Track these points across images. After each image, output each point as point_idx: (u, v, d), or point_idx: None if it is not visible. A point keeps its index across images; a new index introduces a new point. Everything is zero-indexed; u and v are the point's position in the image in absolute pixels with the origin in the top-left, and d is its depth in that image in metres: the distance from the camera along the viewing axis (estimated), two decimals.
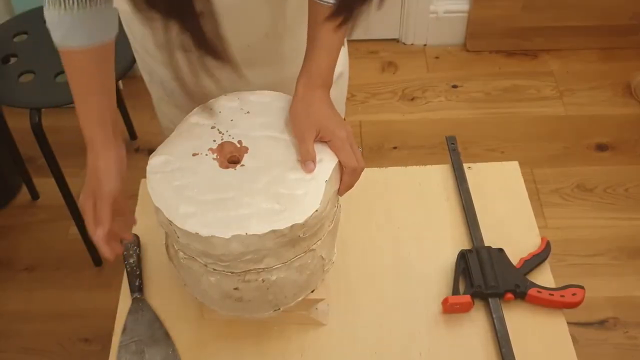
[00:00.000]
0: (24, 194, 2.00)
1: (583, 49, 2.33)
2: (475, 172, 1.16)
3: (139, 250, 1.10)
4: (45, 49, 1.60)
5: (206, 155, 0.88)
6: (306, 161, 0.85)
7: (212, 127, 0.91)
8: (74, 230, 1.79)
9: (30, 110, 1.49)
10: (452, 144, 1.21)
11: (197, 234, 0.81)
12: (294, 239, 0.83)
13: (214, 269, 0.86)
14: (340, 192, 0.90)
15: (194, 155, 0.88)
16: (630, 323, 1.68)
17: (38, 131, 1.50)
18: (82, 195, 0.88)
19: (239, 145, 0.89)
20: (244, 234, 0.80)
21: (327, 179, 0.85)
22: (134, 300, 1.04)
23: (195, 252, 0.85)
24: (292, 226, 0.81)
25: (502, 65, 2.31)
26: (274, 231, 0.80)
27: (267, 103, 0.94)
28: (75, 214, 1.71)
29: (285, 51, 1.07)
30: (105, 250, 0.85)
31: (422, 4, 2.29)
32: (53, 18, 0.85)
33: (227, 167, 0.87)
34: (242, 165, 0.87)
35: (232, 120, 0.91)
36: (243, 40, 1.00)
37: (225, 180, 0.85)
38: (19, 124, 1.81)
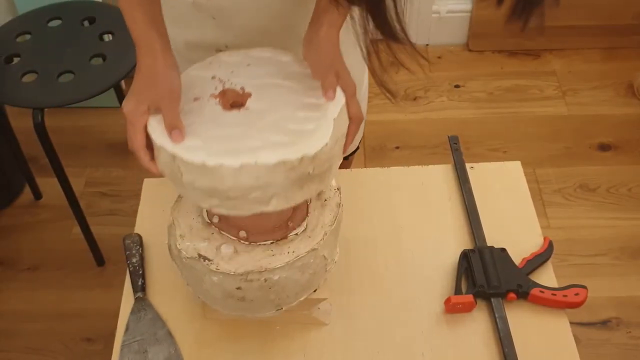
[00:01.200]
0: (26, 193, 2.01)
1: (586, 48, 2.33)
2: (477, 172, 1.16)
3: (142, 250, 1.10)
4: (48, 49, 1.61)
5: (208, 100, 0.84)
6: (328, 90, 0.84)
7: (213, 77, 0.87)
8: (76, 230, 1.79)
9: (33, 110, 1.49)
10: (455, 143, 1.21)
11: (203, 164, 0.76)
12: (303, 176, 0.79)
13: (220, 209, 0.81)
14: (347, 145, 0.88)
15: (195, 99, 0.85)
16: (632, 323, 1.68)
17: (41, 131, 1.50)
18: (132, 100, 0.83)
19: (241, 92, 0.85)
20: (254, 162, 0.75)
21: (335, 117, 0.82)
22: (137, 299, 1.04)
23: (199, 193, 0.80)
24: (302, 158, 0.77)
25: (504, 65, 2.31)
26: (284, 162, 0.76)
27: (268, 57, 0.91)
28: (78, 214, 1.72)
29: None
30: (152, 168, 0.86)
31: (424, 4, 2.29)
32: None
33: (230, 110, 0.84)
34: (247, 108, 0.84)
35: (232, 71, 0.88)
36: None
37: (231, 119, 0.82)
38: (21, 123, 1.81)
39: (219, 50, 0.96)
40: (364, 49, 0.70)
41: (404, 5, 0.65)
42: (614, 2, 2.22)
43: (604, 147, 2.07)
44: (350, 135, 0.88)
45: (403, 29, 0.66)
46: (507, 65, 2.31)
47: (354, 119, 0.87)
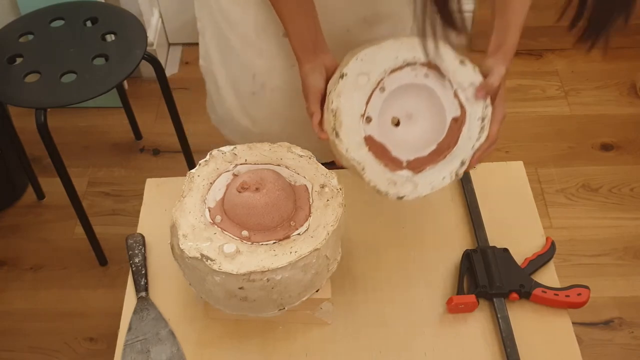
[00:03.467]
0: (29, 193, 2.01)
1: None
2: (479, 172, 1.16)
3: (144, 250, 1.10)
4: (50, 49, 1.61)
5: None
6: (484, 90, 0.96)
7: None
8: (79, 230, 1.80)
9: (35, 110, 1.50)
10: None
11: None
12: None
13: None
14: (475, 161, 0.99)
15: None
16: (635, 323, 1.68)
17: (44, 131, 1.51)
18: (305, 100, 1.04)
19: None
20: None
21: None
22: (139, 299, 1.05)
23: None
24: None
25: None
26: None
27: None
28: (81, 214, 1.72)
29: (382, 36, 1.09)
30: (320, 134, 0.98)
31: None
32: None
33: None
34: None
35: None
36: (342, 24, 1.13)
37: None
38: (24, 123, 1.82)
39: (285, 36, 1.06)
40: (419, 28, 0.73)
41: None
42: None
43: (606, 147, 2.06)
44: (479, 152, 0.99)
45: (463, 18, 0.70)
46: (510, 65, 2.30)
47: (491, 140, 0.99)
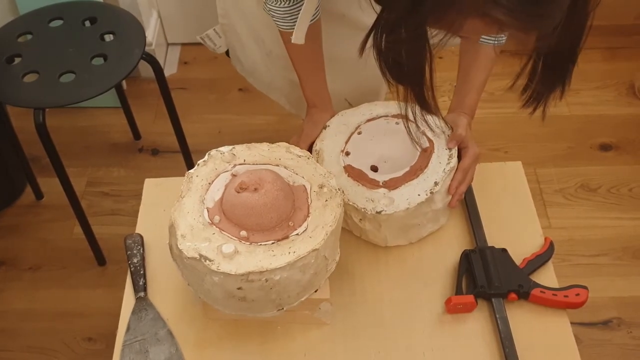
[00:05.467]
0: (28, 193, 2.01)
1: (587, 48, 2.30)
2: (478, 172, 1.16)
3: (143, 250, 1.10)
4: (49, 49, 1.61)
5: None
6: (453, 140, 1.09)
7: None
8: (78, 229, 1.79)
9: (34, 110, 1.49)
10: None
11: None
12: None
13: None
14: (452, 190, 1.07)
15: None
16: (634, 323, 1.68)
17: (42, 131, 1.50)
18: (296, 137, 1.18)
19: None
20: None
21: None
22: (138, 299, 1.04)
23: None
24: None
25: (505, 65, 2.30)
26: None
27: None
28: (80, 214, 1.72)
29: None
30: None
31: None
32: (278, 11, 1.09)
33: None
34: None
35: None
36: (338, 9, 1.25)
37: None
38: (23, 123, 1.81)
39: None
40: (404, 112, 0.93)
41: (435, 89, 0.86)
42: (616, 2, 2.22)
43: (605, 147, 2.06)
44: (454, 181, 1.07)
45: (436, 105, 0.88)
46: (508, 66, 2.30)
47: (462, 169, 1.08)
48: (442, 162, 1.07)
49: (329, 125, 1.15)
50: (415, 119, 0.94)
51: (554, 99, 0.90)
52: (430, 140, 1.09)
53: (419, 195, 1.04)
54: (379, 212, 1.03)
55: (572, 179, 1.98)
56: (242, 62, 1.48)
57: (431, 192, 1.04)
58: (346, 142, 1.12)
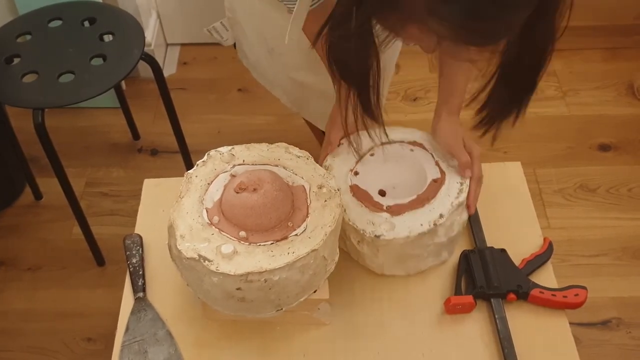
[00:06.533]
0: (27, 194, 2.01)
1: (587, 48, 2.33)
2: None
3: (142, 250, 1.10)
4: (48, 50, 1.61)
5: None
6: (466, 168, 1.05)
7: None
8: (77, 230, 1.79)
9: (33, 110, 1.49)
10: None
11: None
12: None
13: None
14: (472, 201, 1.05)
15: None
16: (633, 323, 1.68)
17: (41, 131, 1.50)
18: (326, 127, 1.17)
19: None
20: None
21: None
22: (137, 300, 1.04)
23: None
24: None
25: None
26: None
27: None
28: (79, 214, 1.72)
29: None
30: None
31: None
32: None
33: None
34: None
35: None
36: None
37: None
38: (22, 124, 1.81)
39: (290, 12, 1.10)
40: (342, 107, 0.91)
41: (381, 96, 0.85)
42: (615, 3, 2.22)
43: (604, 148, 2.06)
44: (472, 190, 1.05)
45: (379, 112, 0.87)
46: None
47: (476, 178, 1.06)
48: (451, 195, 1.04)
49: (342, 143, 1.12)
50: (356, 122, 0.91)
51: (507, 125, 0.88)
52: (442, 172, 1.07)
53: (421, 225, 1.00)
54: (378, 236, 0.99)
55: (571, 179, 1.98)
56: (248, 56, 1.47)
57: (435, 224, 1.00)
58: (357, 162, 1.10)
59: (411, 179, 1.07)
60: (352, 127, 0.94)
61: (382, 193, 1.07)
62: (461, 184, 1.05)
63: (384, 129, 0.98)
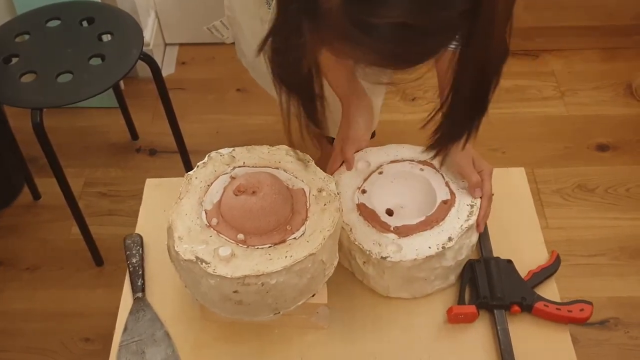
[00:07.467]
0: (25, 194, 2.01)
1: (585, 49, 2.33)
2: None
3: (142, 251, 1.10)
4: (46, 49, 1.60)
5: None
6: (476, 188, 1.04)
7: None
8: (75, 230, 1.79)
9: (31, 110, 1.49)
10: None
11: None
12: None
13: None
14: (482, 219, 1.03)
15: None
16: (631, 323, 1.68)
17: (39, 131, 1.50)
18: (335, 140, 1.14)
19: None
20: None
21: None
22: (136, 300, 1.04)
23: None
24: None
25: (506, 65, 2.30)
26: None
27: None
28: (77, 214, 1.72)
29: None
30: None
31: None
32: None
33: None
34: None
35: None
36: None
37: None
38: (20, 123, 1.81)
39: None
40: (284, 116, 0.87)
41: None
42: (614, 3, 2.22)
43: (602, 148, 2.07)
44: (482, 209, 1.03)
45: (324, 120, 0.86)
46: (506, 66, 2.29)
47: (487, 197, 1.05)
48: (461, 218, 1.01)
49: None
50: (301, 131, 0.88)
51: (457, 148, 0.88)
52: (452, 193, 1.05)
53: (429, 247, 0.98)
54: (384, 258, 0.97)
55: (569, 179, 1.98)
56: (246, 55, 1.46)
57: (443, 247, 0.98)
58: (365, 180, 1.08)
59: (420, 199, 1.05)
60: (296, 136, 0.91)
61: (389, 212, 1.05)
62: (471, 206, 1.03)
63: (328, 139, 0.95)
